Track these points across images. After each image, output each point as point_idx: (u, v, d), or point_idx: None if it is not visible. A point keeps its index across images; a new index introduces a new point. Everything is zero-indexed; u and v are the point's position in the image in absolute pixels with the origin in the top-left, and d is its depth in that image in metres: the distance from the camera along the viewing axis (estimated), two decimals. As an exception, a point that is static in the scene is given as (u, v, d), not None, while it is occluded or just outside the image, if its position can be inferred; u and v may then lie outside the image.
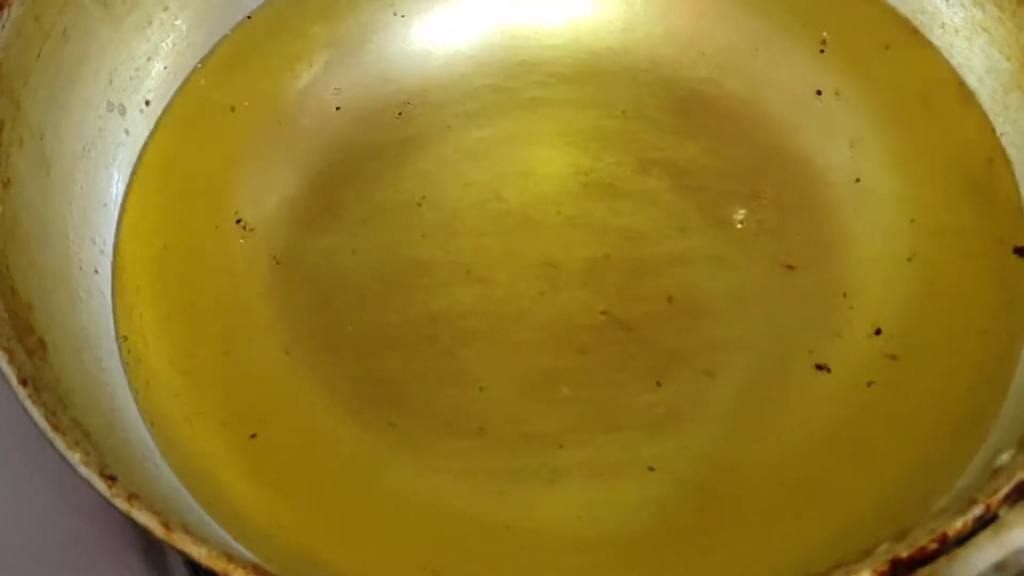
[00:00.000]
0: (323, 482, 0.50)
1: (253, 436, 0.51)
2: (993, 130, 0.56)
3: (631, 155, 0.58)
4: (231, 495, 0.49)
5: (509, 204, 0.57)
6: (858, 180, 0.56)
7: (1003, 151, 0.56)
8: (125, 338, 0.53)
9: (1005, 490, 0.40)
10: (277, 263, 0.56)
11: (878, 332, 0.52)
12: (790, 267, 0.54)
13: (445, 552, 0.49)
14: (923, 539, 0.40)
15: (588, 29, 0.61)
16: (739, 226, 0.56)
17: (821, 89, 0.59)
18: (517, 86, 0.60)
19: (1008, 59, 0.56)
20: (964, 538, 0.38)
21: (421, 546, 0.49)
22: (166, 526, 0.41)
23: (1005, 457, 0.43)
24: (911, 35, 0.59)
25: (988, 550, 0.37)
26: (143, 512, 0.42)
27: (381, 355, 0.53)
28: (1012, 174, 0.55)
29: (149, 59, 0.58)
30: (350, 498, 0.50)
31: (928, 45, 0.59)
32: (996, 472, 0.41)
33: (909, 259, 0.54)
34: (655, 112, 0.59)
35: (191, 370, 0.53)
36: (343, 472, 0.50)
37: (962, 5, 0.58)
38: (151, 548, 0.58)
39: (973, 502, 0.40)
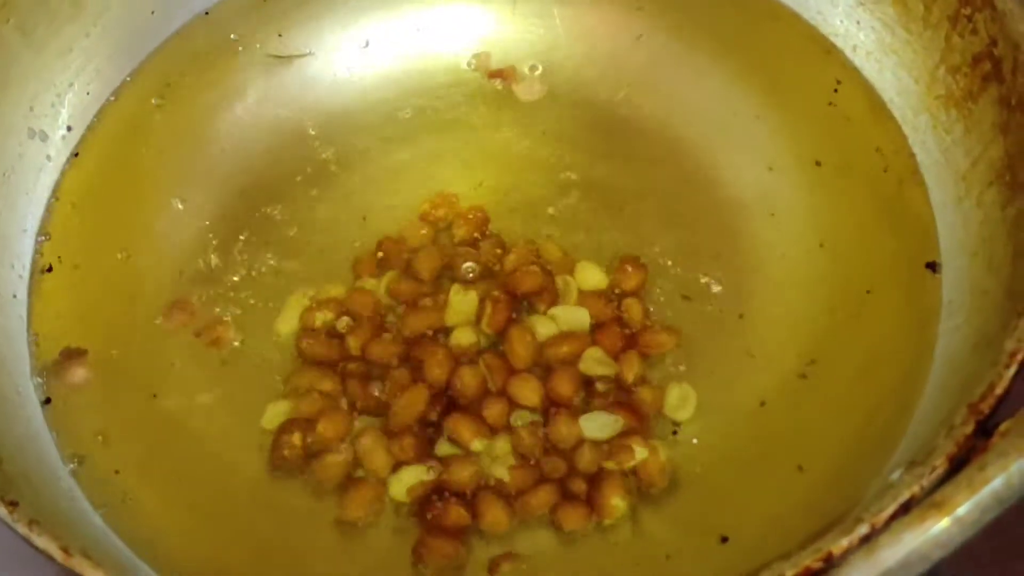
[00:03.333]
0: (229, 503, 0.51)
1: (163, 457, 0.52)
2: (907, 149, 0.57)
3: (551, 175, 0.59)
4: (143, 515, 0.50)
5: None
6: (772, 203, 0.57)
7: (916, 170, 0.57)
8: (41, 362, 0.54)
9: (890, 510, 0.41)
10: (196, 282, 0.56)
11: (787, 353, 0.53)
12: (686, 297, 0.55)
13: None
14: (808, 558, 0.40)
15: (509, 51, 0.62)
16: (656, 248, 0.56)
17: (739, 112, 0.59)
18: (439, 107, 0.61)
19: (916, 81, 0.57)
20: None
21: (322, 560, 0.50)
22: (65, 551, 0.42)
23: (895, 477, 0.43)
24: (827, 55, 0.60)
25: (863, 569, 0.38)
26: (43, 537, 0.42)
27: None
28: (925, 193, 0.56)
29: (71, 85, 0.59)
30: (252, 515, 0.51)
31: (846, 67, 0.60)
32: (883, 492, 0.42)
33: (819, 281, 0.55)
34: (575, 132, 0.60)
35: (107, 389, 0.53)
36: (247, 494, 0.51)
37: (872, 28, 0.58)
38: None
39: (859, 521, 0.40)
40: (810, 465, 0.50)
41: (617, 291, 0.55)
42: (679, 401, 0.52)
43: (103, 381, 0.54)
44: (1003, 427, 0.41)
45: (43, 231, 0.57)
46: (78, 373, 0.53)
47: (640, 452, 0.50)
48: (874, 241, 0.55)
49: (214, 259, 0.57)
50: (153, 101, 0.61)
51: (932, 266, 0.54)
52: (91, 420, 0.52)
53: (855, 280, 0.54)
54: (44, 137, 0.58)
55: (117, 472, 0.51)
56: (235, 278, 0.56)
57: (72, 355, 0.54)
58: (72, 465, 0.51)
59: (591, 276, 0.55)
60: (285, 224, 0.58)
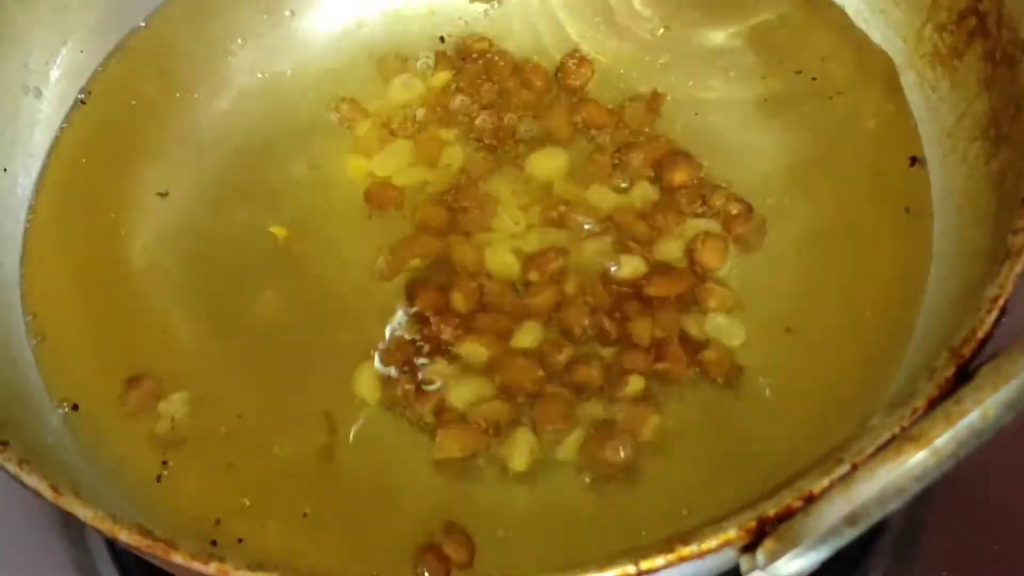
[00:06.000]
0: (218, 447, 0.51)
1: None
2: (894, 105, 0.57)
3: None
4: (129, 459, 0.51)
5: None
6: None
7: (905, 126, 0.57)
8: (34, 315, 0.54)
9: (870, 450, 0.41)
10: (190, 237, 0.57)
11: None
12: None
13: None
14: (789, 497, 0.40)
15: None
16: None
17: (729, 73, 0.60)
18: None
19: (904, 40, 0.57)
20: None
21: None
22: (55, 489, 0.42)
23: (875, 420, 0.43)
24: (812, 13, 0.60)
25: (839, 503, 0.38)
26: (33, 476, 0.43)
27: (287, 332, 0.55)
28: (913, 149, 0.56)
29: (65, 42, 0.59)
30: (239, 461, 0.51)
31: (832, 26, 0.60)
32: (863, 433, 0.42)
33: (807, 237, 0.55)
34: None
35: (95, 334, 0.54)
36: (237, 435, 0.52)
37: (861, -14, 0.59)
38: (71, 526, 0.58)
39: (839, 461, 0.41)
40: (795, 419, 0.51)
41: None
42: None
43: (92, 337, 0.54)
44: (983, 369, 0.41)
45: (37, 188, 0.57)
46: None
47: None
48: (862, 197, 0.56)
49: (208, 215, 0.58)
50: (149, 62, 0.61)
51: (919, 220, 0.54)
52: (80, 364, 0.53)
53: (843, 236, 0.55)
54: (38, 94, 0.58)
55: (104, 419, 0.52)
56: (231, 234, 0.57)
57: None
58: (63, 410, 0.52)
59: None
60: (272, 180, 0.58)
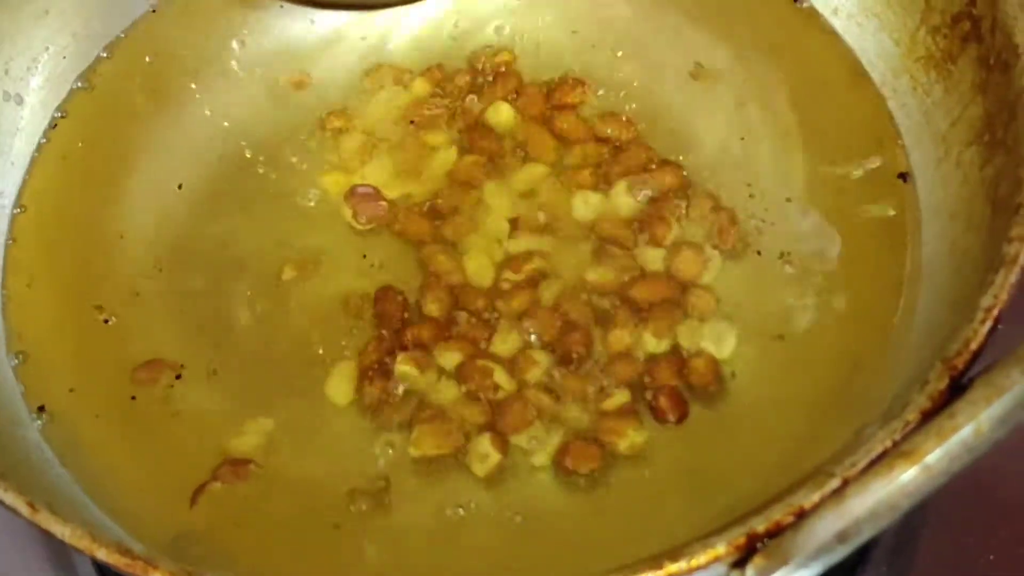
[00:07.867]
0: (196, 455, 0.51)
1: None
2: (886, 113, 0.57)
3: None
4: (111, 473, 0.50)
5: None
6: (746, 174, 0.56)
7: (896, 133, 0.56)
8: (14, 330, 0.54)
9: (862, 464, 0.40)
10: (171, 248, 0.56)
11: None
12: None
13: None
14: (778, 513, 0.40)
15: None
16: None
17: (715, 76, 0.59)
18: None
19: (897, 44, 0.57)
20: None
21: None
22: (31, 506, 0.42)
23: (868, 432, 0.43)
24: (808, 20, 0.60)
25: (830, 520, 0.37)
26: (9, 493, 0.42)
27: (274, 342, 0.54)
28: (905, 154, 0.56)
29: (47, 49, 0.59)
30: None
31: (825, 29, 0.59)
32: (855, 447, 0.41)
33: (795, 247, 0.54)
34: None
35: (75, 345, 0.54)
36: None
37: (853, -11, 0.58)
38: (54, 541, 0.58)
39: (830, 476, 0.40)
40: (785, 428, 0.50)
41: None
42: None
43: (78, 344, 0.54)
44: (976, 382, 0.41)
45: (18, 199, 0.57)
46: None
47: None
48: (854, 205, 0.55)
49: (190, 224, 0.57)
50: (133, 69, 0.60)
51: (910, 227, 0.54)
52: (59, 374, 0.53)
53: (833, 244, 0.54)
54: (20, 101, 0.58)
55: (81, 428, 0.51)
56: (210, 243, 0.56)
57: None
58: (39, 421, 0.51)
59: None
60: (255, 190, 0.58)
